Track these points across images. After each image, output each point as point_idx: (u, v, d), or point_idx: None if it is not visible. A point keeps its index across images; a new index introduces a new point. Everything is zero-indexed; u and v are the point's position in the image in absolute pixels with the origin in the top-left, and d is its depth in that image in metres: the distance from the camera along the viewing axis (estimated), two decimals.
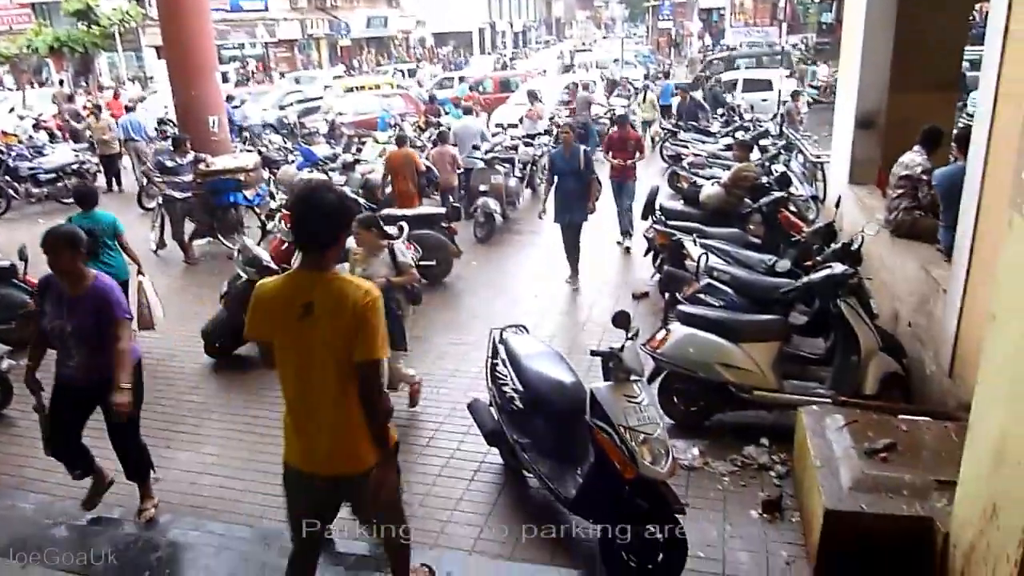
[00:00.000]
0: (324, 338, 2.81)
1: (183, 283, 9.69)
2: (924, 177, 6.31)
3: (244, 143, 16.02)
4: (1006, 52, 4.51)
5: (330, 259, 2.88)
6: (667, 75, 24.23)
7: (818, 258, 6.42)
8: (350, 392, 2.86)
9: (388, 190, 10.53)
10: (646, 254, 8.99)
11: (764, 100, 18.54)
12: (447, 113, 18.25)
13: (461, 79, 25.23)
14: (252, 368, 6.94)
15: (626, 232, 10.26)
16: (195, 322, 7.62)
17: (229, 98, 18.11)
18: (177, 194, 10.35)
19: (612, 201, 10.33)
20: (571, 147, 8.69)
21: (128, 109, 17.54)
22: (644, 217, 8.76)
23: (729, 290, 6.26)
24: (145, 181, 12.73)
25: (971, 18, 9.90)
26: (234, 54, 37.68)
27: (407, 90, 23.12)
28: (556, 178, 8.75)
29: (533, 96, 16.18)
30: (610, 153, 10.30)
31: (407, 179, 10.13)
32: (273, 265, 7.02)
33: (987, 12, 4.78)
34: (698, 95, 17.05)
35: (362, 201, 10.39)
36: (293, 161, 13.18)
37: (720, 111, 17.45)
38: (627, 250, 10.07)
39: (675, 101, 18.53)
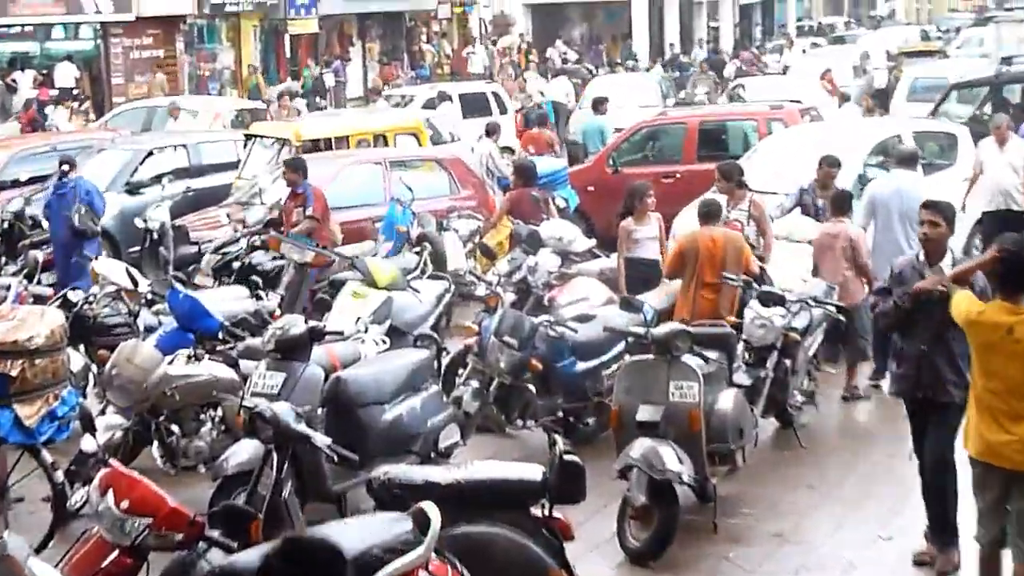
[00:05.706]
0: None
1: None
2: None
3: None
4: None
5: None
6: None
7: None
8: None
9: None
10: None
11: None
12: (560, 204, 14.12)
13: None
14: None
15: None
16: None
17: (66, 164, 13.70)
18: None
19: None
20: None
21: None
22: None
23: None
24: None
25: None
26: (29, 50, 30.50)
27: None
28: None
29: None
30: None
31: None
32: None
33: None
34: None
35: (337, 455, 7.30)
36: (151, 329, 9.67)
37: None
38: None
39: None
